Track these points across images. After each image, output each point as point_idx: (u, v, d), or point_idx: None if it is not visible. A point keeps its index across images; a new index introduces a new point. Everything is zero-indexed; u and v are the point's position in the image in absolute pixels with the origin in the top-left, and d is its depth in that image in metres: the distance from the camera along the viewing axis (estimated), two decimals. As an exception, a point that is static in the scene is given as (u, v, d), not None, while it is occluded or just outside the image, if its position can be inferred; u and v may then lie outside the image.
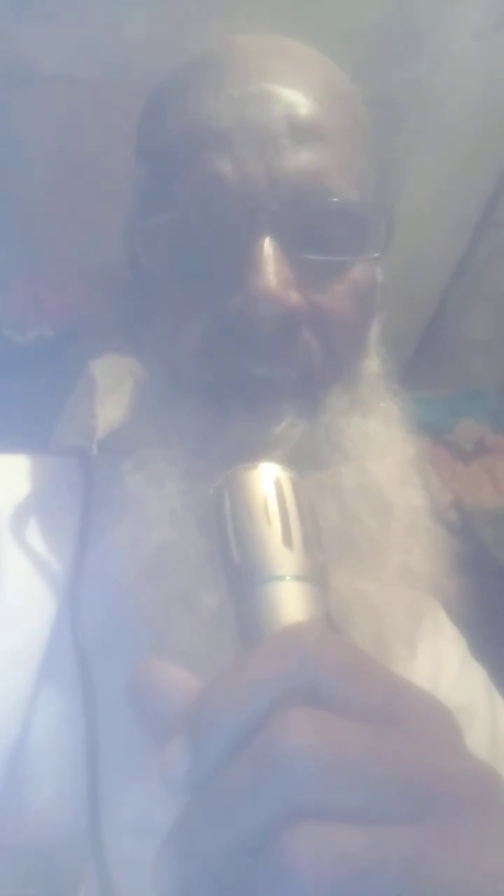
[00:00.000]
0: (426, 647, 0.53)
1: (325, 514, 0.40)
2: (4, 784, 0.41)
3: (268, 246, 0.43)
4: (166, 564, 0.43)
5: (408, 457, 0.51)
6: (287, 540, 0.29)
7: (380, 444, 0.49)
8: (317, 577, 0.29)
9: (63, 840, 0.41)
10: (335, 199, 0.45)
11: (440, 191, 1.42)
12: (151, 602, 0.43)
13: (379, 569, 0.46)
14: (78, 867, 0.40)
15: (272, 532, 0.29)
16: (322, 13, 1.06)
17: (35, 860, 0.41)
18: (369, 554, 0.45)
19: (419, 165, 1.38)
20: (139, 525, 0.45)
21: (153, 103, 0.52)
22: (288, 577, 0.28)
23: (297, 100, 0.46)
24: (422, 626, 0.50)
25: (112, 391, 0.58)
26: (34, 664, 0.43)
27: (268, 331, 0.43)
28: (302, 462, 0.40)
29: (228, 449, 0.43)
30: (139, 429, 0.50)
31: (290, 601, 0.27)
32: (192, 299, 0.46)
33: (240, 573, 0.28)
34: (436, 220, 1.42)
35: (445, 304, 1.76)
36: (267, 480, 0.30)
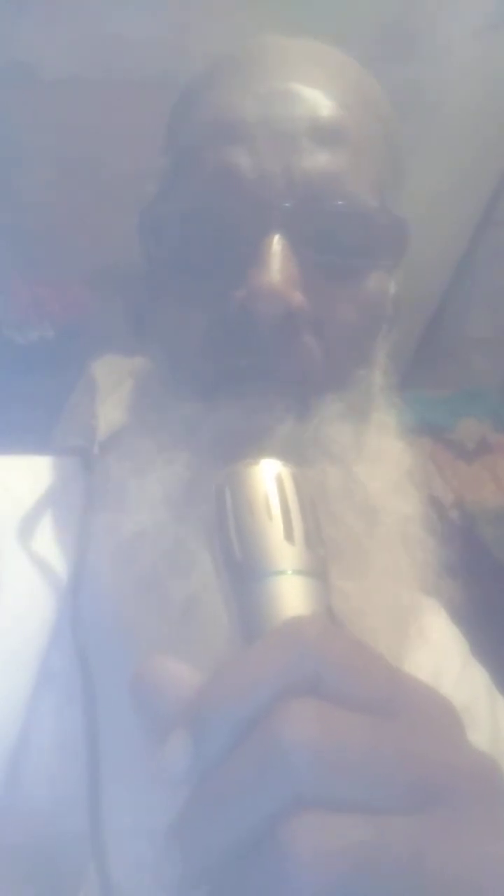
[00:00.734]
0: (425, 648, 0.53)
1: None
2: (4, 784, 0.41)
3: (277, 243, 0.42)
4: (138, 552, 0.43)
5: (403, 468, 0.50)
6: (289, 535, 0.29)
7: (371, 452, 0.48)
8: (318, 571, 0.29)
9: (63, 840, 0.41)
10: (350, 203, 0.45)
11: (440, 191, 1.42)
12: (123, 588, 0.43)
13: (361, 570, 0.45)
14: (78, 867, 0.40)
15: (274, 527, 0.29)
16: (322, 13, 1.06)
17: (35, 860, 0.41)
18: (352, 555, 0.44)
19: (419, 165, 1.38)
20: (118, 511, 0.45)
21: (181, 99, 0.52)
22: (289, 572, 0.28)
23: (321, 101, 0.46)
24: (408, 629, 0.49)
25: (112, 391, 0.58)
26: (34, 664, 0.43)
27: (266, 328, 0.42)
28: (287, 458, 0.40)
29: (213, 439, 0.43)
30: (136, 420, 0.50)
31: (291, 595, 0.27)
32: (198, 293, 0.45)
33: (241, 568, 0.28)
34: (436, 220, 1.41)
35: (445, 304, 1.76)
36: (269, 476, 0.30)
